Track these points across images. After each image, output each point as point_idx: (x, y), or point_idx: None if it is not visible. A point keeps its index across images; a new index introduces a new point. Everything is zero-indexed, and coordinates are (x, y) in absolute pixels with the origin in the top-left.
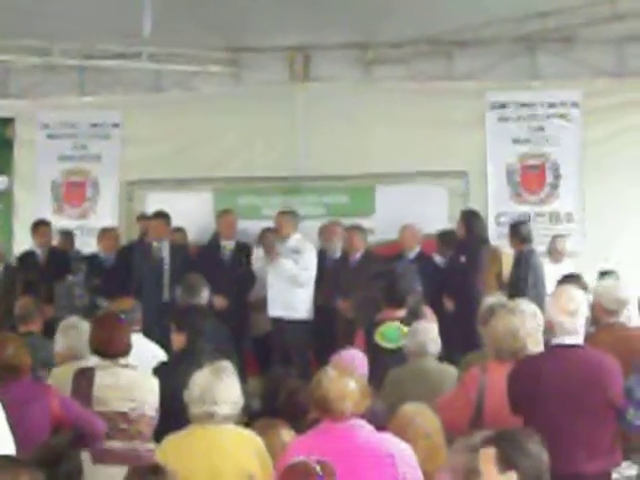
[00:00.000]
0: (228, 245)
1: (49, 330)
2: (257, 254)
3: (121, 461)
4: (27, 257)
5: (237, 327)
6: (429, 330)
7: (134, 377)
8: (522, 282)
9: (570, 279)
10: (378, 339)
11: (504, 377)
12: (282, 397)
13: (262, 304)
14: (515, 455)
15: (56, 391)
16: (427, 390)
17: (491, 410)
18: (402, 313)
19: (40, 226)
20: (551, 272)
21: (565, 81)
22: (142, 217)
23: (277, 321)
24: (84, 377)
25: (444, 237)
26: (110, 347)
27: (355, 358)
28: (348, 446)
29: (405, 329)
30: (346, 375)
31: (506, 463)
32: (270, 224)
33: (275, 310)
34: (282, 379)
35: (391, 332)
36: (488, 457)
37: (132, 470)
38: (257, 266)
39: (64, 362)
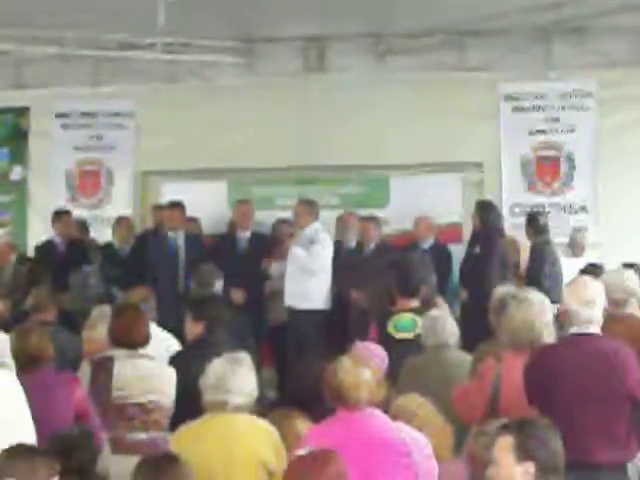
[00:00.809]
0: (244, 235)
1: (63, 320)
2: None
3: (140, 451)
4: (46, 247)
5: (254, 317)
6: (448, 321)
7: (153, 367)
8: (538, 273)
9: (592, 269)
10: (391, 330)
11: (520, 367)
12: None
13: (279, 294)
14: (534, 445)
15: (78, 381)
16: (446, 380)
17: (507, 400)
18: (415, 303)
19: (62, 215)
20: (572, 265)
21: (580, 71)
22: (158, 207)
23: (293, 311)
24: (103, 367)
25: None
26: (130, 337)
27: (375, 353)
28: (363, 435)
29: (418, 319)
30: (361, 365)
31: (524, 453)
32: (284, 215)
33: (290, 299)
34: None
35: (404, 323)
36: (505, 446)
37: (144, 460)
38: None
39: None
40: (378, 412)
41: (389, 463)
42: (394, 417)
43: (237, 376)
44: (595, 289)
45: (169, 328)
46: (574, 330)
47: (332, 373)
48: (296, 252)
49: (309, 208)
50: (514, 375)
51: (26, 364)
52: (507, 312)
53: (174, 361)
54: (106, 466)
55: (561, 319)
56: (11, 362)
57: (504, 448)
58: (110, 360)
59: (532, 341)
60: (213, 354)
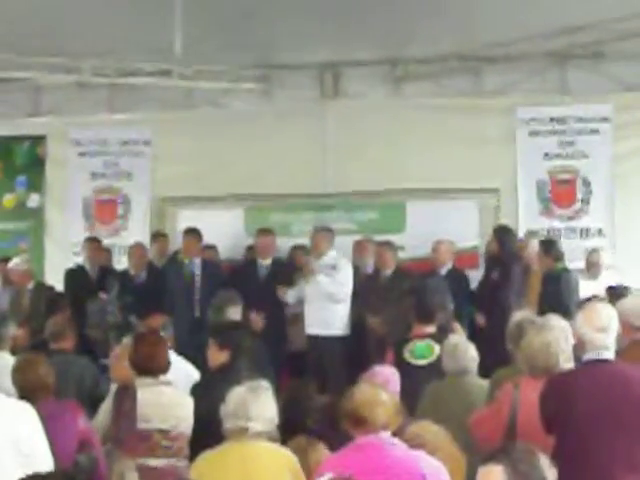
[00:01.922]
0: (264, 263)
1: (81, 347)
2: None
3: (165, 479)
4: (77, 273)
5: (274, 344)
6: (468, 347)
7: (174, 394)
8: (552, 300)
9: (615, 291)
10: (407, 356)
11: (537, 394)
12: (309, 410)
13: (298, 320)
14: (525, 469)
15: (80, 409)
16: (467, 407)
17: (524, 427)
18: (432, 329)
19: (93, 242)
20: (590, 287)
21: (595, 96)
22: (158, 235)
23: (314, 338)
24: (126, 394)
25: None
26: (151, 364)
27: (388, 376)
28: (380, 463)
29: (435, 346)
30: (378, 389)
31: (516, 479)
32: (301, 241)
33: (312, 327)
34: (302, 391)
35: (420, 349)
36: (495, 474)
37: None
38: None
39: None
40: (395, 440)
41: None
42: (407, 444)
43: (257, 403)
44: (609, 315)
45: (186, 355)
46: (589, 356)
47: (349, 397)
48: (321, 280)
49: (327, 235)
50: (531, 401)
51: (29, 394)
52: (526, 337)
53: (198, 388)
54: None
55: (575, 346)
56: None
57: (495, 477)
58: (133, 387)
59: (549, 367)
60: (236, 382)
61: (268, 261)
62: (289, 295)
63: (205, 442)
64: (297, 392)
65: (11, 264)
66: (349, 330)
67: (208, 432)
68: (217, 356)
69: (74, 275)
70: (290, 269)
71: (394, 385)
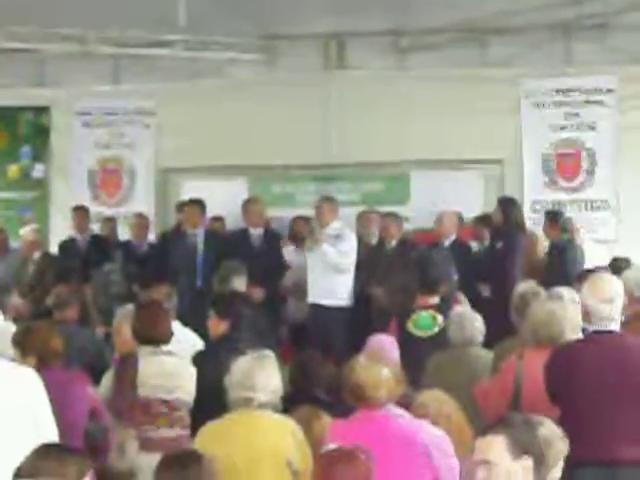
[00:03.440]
0: (256, 232)
1: (85, 317)
2: (287, 248)
3: (166, 448)
4: (68, 244)
5: (272, 315)
6: (475, 318)
7: (176, 364)
8: (555, 271)
9: (619, 263)
10: (411, 327)
11: (541, 364)
12: (319, 380)
13: (297, 291)
14: (527, 439)
15: (88, 379)
16: (471, 378)
17: (529, 398)
18: (435, 300)
19: (77, 211)
20: (595, 251)
21: (600, 67)
22: (181, 205)
23: (317, 307)
24: (128, 363)
25: (482, 222)
26: (153, 334)
27: (384, 343)
28: (383, 435)
29: (438, 317)
30: (379, 362)
31: (520, 449)
32: (304, 212)
33: (315, 297)
34: (310, 361)
35: (424, 320)
36: (498, 445)
37: (168, 456)
38: (289, 257)
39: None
40: (399, 411)
41: (409, 462)
42: (416, 413)
43: (262, 373)
44: (615, 286)
45: (189, 325)
46: (594, 328)
47: (350, 372)
48: (326, 250)
49: (332, 206)
50: (536, 372)
51: (38, 361)
52: (531, 307)
53: (199, 359)
54: (134, 462)
55: (582, 317)
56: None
57: (498, 448)
58: (134, 357)
59: (554, 338)
60: (237, 352)
61: (260, 230)
62: (288, 252)
63: (205, 411)
64: (305, 362)
65: (21, 232)
66: (353, 301)
67: (208, 401)
68: (217, 326)
69: (64, 247)
70: (288, 239)
71: (390, 351)
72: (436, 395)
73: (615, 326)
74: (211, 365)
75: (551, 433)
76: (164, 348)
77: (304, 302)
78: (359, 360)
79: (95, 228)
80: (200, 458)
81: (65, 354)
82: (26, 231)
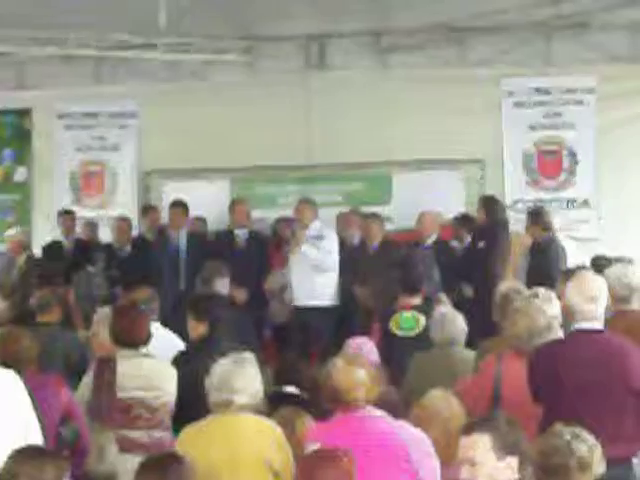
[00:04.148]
0: (241, 233)
1: (68, 320)
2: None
3: (146, 450)
4: (53, 247)
5: (255, 316)
6: (457, 318)
7: (155, 366)
8: (539, 269)
9: (600, 261)
10: (393, 328)
11: (520, 365)
12: (302, 381)
13: (280, 292)
14: (513, 439)
15: (63, 382)
16: (453, 378)
17: (508, 398)
18: (417, 300)
19: (64, 215)
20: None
21: (580, 67)
22: (149, 208)
23: (302, 309)
24: (106, 366)
25: (461, 222)
26: (131, 336)
27: (362, 346)
28: (362, 436)
29: (420, 317)
30: (355, 364)
31: (505, 449)
32: (287, 213)
33: (300, 299)
34: (294, 362)
35: (406, 320)
36: (483, 445)
37: (148, 459)
38: None
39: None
40: (377, 411)
41: (388, 464)
42: (417, 417)
43: (242, 376)
44: (599, 285)
45: (171, 327)
46: (578, 326)
47: (327, 375)
48: (307, 251)
49: (312, 207)
50: (515, 373)
51: (11, 366)
52: (510, 316)
53: (177, 361)
54: (114, 465)
55: (565, 315)
56: None
57: (482, 447)
58: (113, 359)
59: (532, 345)
60: (216, 354)
61: (245, 232)
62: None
63: (185, 413)
64: (290, 363)
65: (7, 233)
66: (338, 300)
67: (188, 403)
68: (196, 328)
69: (48, 250)
70: (270, 241)
71: (368, 353)
72: (443, 394)
73: (599, 325)
74: (189, 367)
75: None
76: (143, 350)
77: (287, 304)
78: (336, 363)
79: (78, 231)
80: (180, 460)
81: (42, 358)
82: (11, 234)
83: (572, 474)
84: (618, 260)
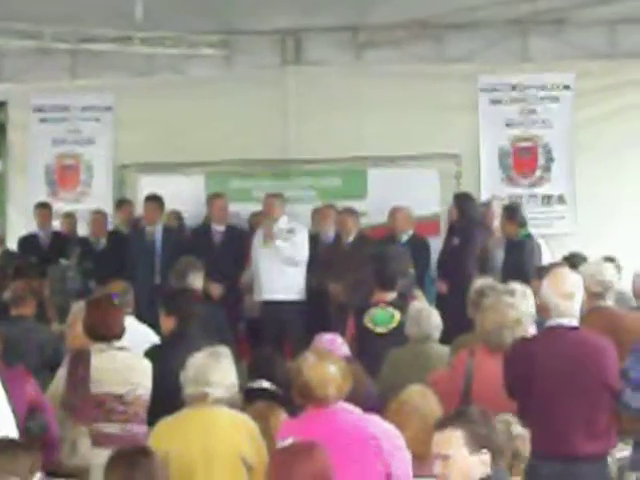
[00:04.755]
0: (219, 228)
1: (42, 314)
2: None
3: (120, 444)
4: (29, 240)
5: (230, 310)
6: (432, 314)
7: (129, 359)
8: (514, 266)
9: (573, 258)
10: (368, 323)
11: (492, 362)
12: (275, 376)
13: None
14: (485, 433)
15: (29, 375)
16: (428, 374)
17: (479, 394)
18: (392, 296)
19: (40, 208)
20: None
21: (557, 63)
22: (123, 202)
23: (272, 303)
24: (80, 359)
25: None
26: (105, 330)
27: (333, 342)
28: (332, 432)
29: (395, 313)
30: (326, 360)
31: (478, 443)
32: (261, 207)
33: (271, 293)
34: (269, 357)
35: (381, 316)
36: (455, 439)
37: (117, 453)
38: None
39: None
40: (347, 406)
41: (359, 457)
42: (395, 413)
43: (217, 369)
44: (575, 281)
45: (146, 321)
46: (553, 323)
47: (297, 371)
48: (280, 245)
49: (280, 201)
50: (486, 369)
51: None
52: (481, 312)
53: (148, 355)
54: (86, 459)
55: (540, 311)
56: None
57: (455, 442)
58: (87, 353)
59: (504, 344)
60: (187, 348)
61: (222, 227)
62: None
63: (157, 407)
64: (262, 358)
65: None
66: (305, 294)
67: (159, 397)
68: (165, 323)
69: (24, 243)
70: (247, 235)
71: (337, 350)
72: (421, 390)
73: (575, 321)
74: (160, 361)
75: None
76: (117, 344)
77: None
78: (306, 359)
79: (55, 224)
80: (149, 455)
81: (11, 352)
82: None
83: None
84: (609, 260)
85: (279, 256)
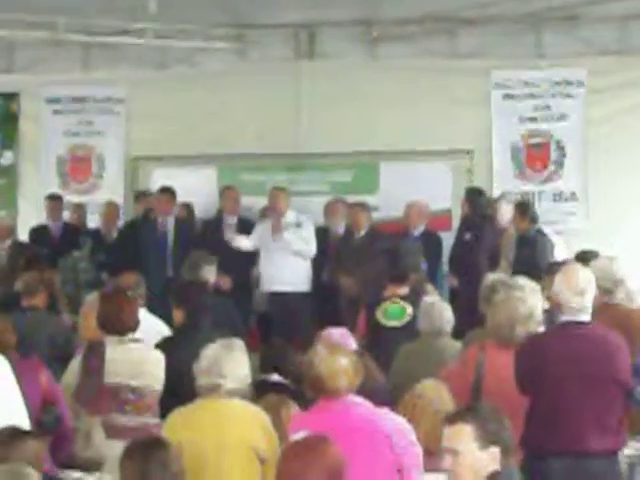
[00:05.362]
0: (231, 221)
1: (53, 305)
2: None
3: (133, 435)
4: (39, 232)
5: (240, 303)
6: (444, 309)
7: (143, 352)
8: (526, 262)
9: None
10: (380, 317)
11: (502, 358)
12: (286, 368)
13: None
14: (496, 429)
15: (43, 366)
16: (440, 369)
17: (489, 389)
18: (405, 290)
19: (51, 200)
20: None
21: (570, 59)
22: (142, 194)
23: (279, 295)
24: (95, 351)
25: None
26: (119, 323)
27: (341, 335)
28: (343, 424)
29: (407, 307)
30: (337, 353)
31: (488, 439)
32: None
33: (278, 285)
34: (280, 349)
35: (393, 310)
36: (465, 435)
37: (132, 444)
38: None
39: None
40: (358, 399)
41: (370, 451)
42: (409, 407)
43: (230, 361)
44: (587, 278)
45: (158, 314)
46: (565, 318)
47: (309, 364)
48: (288, 238)
49: (286, 195)
50: (497, 364)
51: None
52: (492, 306)
53: (160, 347)
54: (100, 451)
55: (552, 307)
56: None
57: (465, 437)
58: (101, 345)
59: (514, 338)
60: (197, 340)
61: (234, 220)
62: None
63: (167, 398)
64: (273, 350)
65: None
66: (311, 286)
67: (168, 390)
68: (176, 315)
69: (35, 234)
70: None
71: (344, 344)
72: (434, 385)
73: (586, 317)
74: (170, 353)
75: None
76: (131, 336)
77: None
78: (317, 352)
79: (65, 215)
80: (164, 446)
81: (23, 343)
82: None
83: None
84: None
85: (288, 249)
